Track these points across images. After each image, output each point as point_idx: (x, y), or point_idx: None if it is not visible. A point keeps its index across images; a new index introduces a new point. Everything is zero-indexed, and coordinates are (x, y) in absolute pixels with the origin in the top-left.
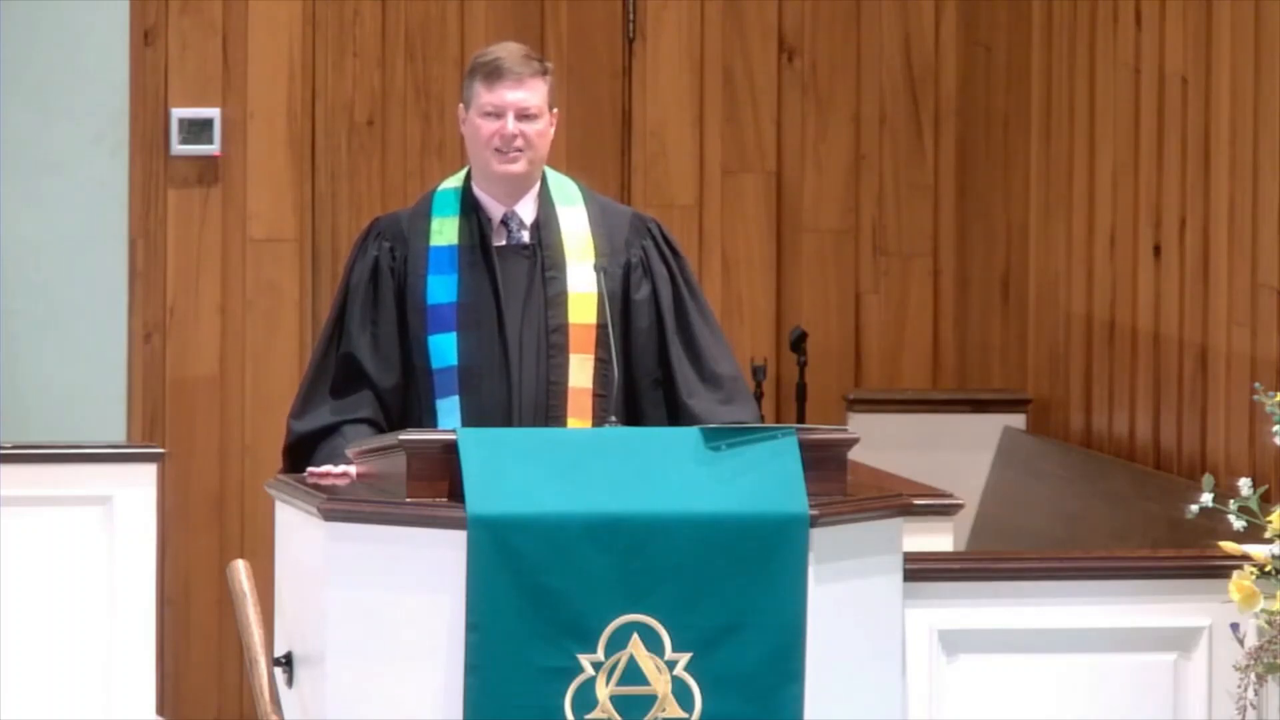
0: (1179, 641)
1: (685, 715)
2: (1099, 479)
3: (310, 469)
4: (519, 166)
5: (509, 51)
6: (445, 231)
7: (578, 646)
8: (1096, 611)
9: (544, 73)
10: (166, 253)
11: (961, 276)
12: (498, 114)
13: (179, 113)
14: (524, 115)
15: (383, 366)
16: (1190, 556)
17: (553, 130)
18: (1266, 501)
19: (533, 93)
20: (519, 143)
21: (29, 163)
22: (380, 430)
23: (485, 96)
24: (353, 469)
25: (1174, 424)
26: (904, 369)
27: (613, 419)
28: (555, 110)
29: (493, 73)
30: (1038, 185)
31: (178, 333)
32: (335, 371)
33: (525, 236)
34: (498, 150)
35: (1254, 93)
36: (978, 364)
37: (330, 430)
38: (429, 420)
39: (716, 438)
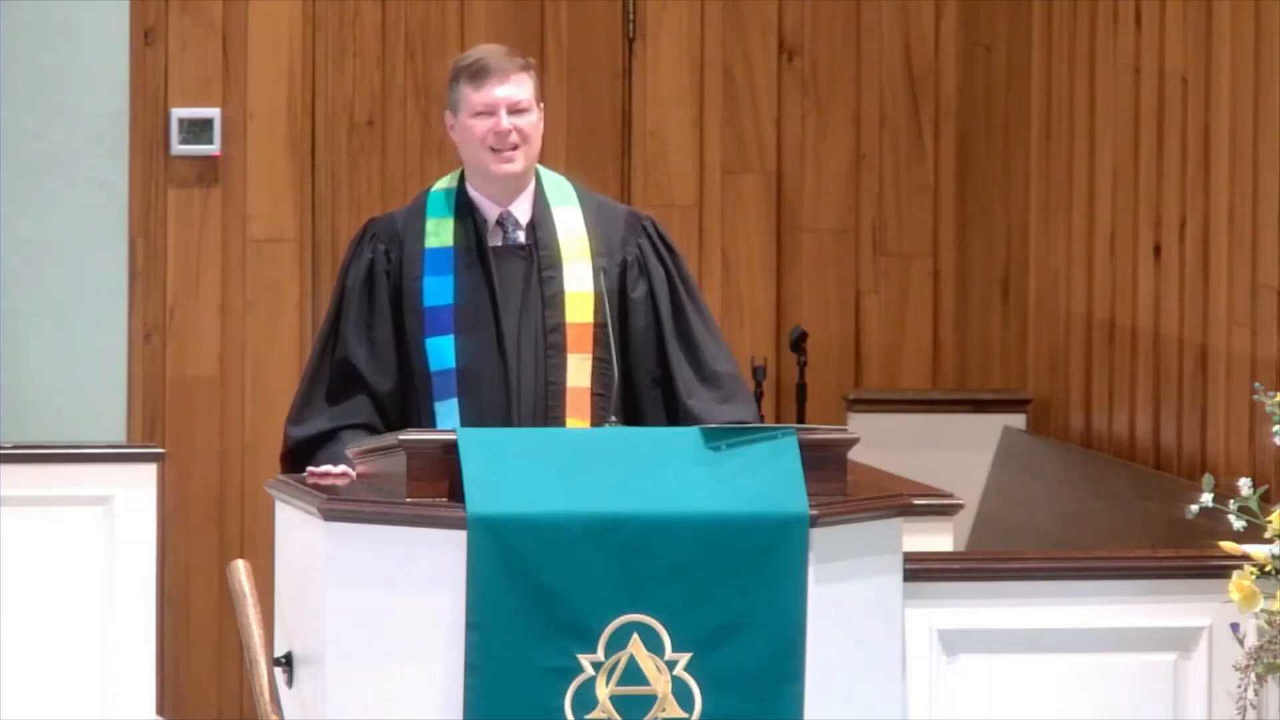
0: (1179, 641)
1: (685, 715)
2: (1099, 479)
3: (310, 469)
4: (517, 166)
5: (489, 51)
6: (440, 233)
7: (578, 646)
8: (1096, 611)
9: (528, 67)
10: (166, 253)
11: (961, 276)
12: (489, 112)
13: (179, 113)
14: (515, 110)
15: (379, 371)
16: (1190, 556)
17: (542, 124)
18: (1266, 501)
19: (520, 87)
20: (514, 138)
21: (29, 163)
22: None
23: (474, 97)
24: (353, 469)
25: (1174, 424)
26: (904, 369)
27: (612, 419)
28: (542, 105)
29: (478, 73)
30: (1038, 185)
31: (178, 333)
32: (332, 377)
33: (521, 237)
34: (493, 149)
35: (1254, 93)
36: (978, 364)
37: (328, 436)
38: (428, 423)
39: (716, 438)
